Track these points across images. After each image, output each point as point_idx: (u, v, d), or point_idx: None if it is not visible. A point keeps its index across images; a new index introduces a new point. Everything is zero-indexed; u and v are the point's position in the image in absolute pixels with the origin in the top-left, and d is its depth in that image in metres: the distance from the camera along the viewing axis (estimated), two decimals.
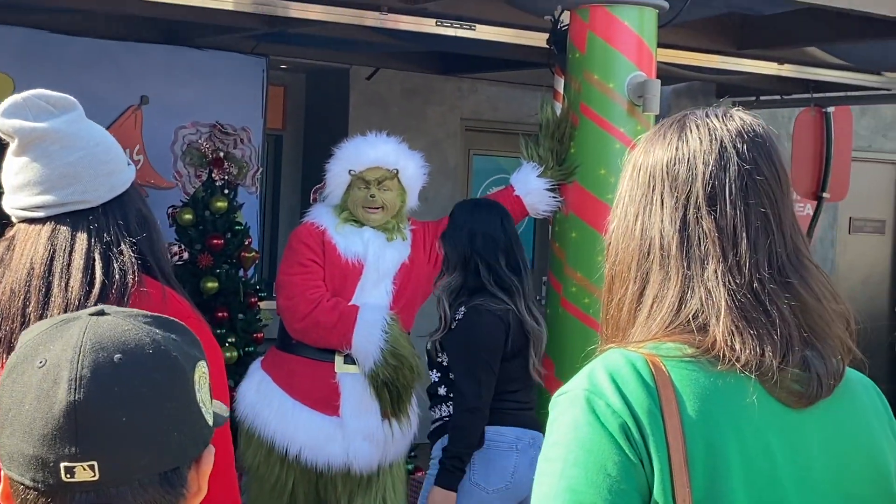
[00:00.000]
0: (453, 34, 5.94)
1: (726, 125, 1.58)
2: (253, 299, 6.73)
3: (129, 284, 2.09)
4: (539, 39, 5.86)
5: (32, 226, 2.15)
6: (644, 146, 1.62)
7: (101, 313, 1.28)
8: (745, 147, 1.56)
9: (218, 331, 6.23)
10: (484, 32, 6.04)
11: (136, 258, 2.12)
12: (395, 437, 4.55)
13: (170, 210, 6.61)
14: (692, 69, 6.99)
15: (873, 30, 6.00)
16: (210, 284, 6.50)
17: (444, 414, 4.21)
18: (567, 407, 1.50)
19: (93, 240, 2.12)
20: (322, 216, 4.75)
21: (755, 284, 1.52)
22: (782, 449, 1.50)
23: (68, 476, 1.20)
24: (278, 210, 8.50)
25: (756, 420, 1.49)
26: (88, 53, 6.81)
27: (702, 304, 1.51)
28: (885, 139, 10.25)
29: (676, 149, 1.57)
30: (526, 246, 9.07)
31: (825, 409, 1.53)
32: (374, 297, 4.55)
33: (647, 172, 1.58)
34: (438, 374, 4.23)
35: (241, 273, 6.77)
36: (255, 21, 6.43)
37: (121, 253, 2.11)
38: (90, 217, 2.14)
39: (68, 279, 2.08)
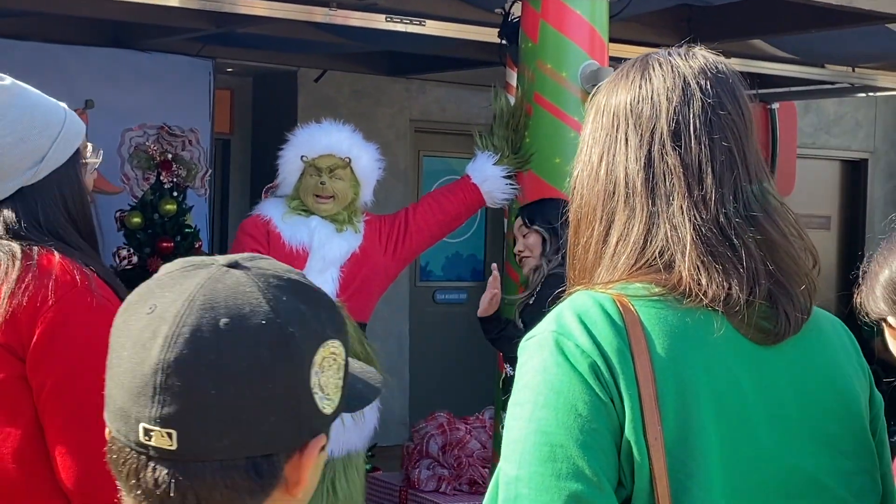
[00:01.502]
0: (403, 30, 5.92)
1: (689, 63, 1.57)
2: None
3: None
4: (490, 34, 5.86)
5: None
6: (606, 89, 1.61)
7: (236, 265, 1.14)
8: (708, 83, 1.55)
9: None
10: (434, 28, 6.02)
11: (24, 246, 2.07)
12: (347, 425, 4.50)
13: (118, 214, 6.52)
14: None
15: (818, 20, 6.06)
16: None
17: None
18: (535, 350, 1.48)
19: None
20: (268, 208, 4.78)
21: (721, 219, 1.51)
22: (752, 386, 1.49)
23: (146, 438, 1.10)
24: (227, 215, 8.43)
25: (725, 357, 1.48)
26: (32, 57, 6.72)
27: (667, 241, 1.50)
28: (828, 135, 10.37)
29: (640, 87, 1.57)
30: (478, 237, 9.16)
31: (794, 346, 1.53)
32: (318, 284, 4.51)
33: (611, 113, 1.58)
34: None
35: None
36: (202, 20, 6.37)
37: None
38: None
39: None
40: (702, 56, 1.59)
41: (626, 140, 1.55)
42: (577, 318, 1.47)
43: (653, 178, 1.52)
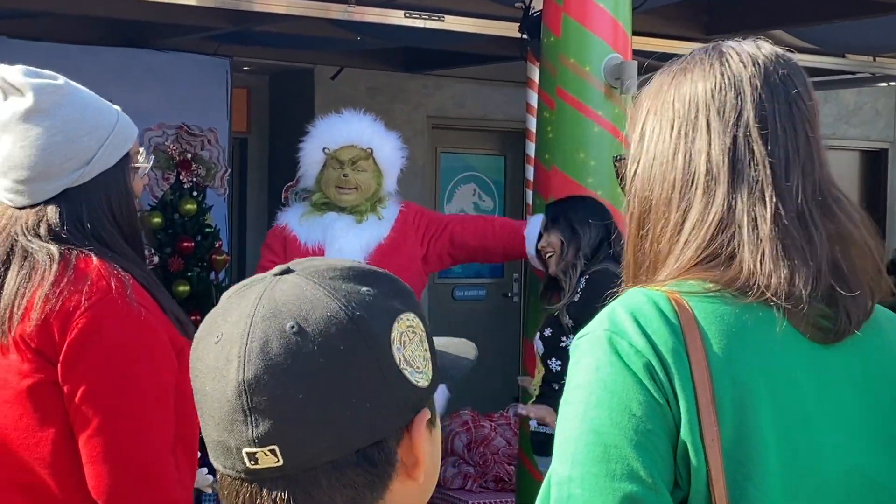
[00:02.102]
0: (422, 25, 5.89)
1: (762, 52, 1.54)
2: None
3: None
4: (509, 29, 5.82)
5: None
6: (671, 77, 1.56)
7: (287, 271, 1.12)
8: (788, 74, 1.52)
9: None
10: (453, 23, 5.99)
11: (63, 251, 2.05)
12: None
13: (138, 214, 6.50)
14: (659, 57, 6.97)
15: (841, 10, 6.02)
16: (181, 288, 6.40)
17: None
18: (588, 349, 1.45)
19: (2, 236, 2.08)
20: (287, 214, 4.76)
21: (805, 210, 1.48)
22: (811, 385, 1.46)
23: (252, 463, 1.07)
24: (245, 213, 8.41)
25: (784, 356, 1.45)
26: (48, 59, 6.63)
27: (741, 230, 1.46)
28: (847, 126, 10.31)
29: (721, 74, 1.52)
30: None
31: (853, 346, 1.49)
32: None
33: (687, 101, 1.53)
34: (560, 364, 4.04)
35: (212, 276, 6.68)
36: (220, 19, 6.36)
37: (32, 250, 2.05)
38: (14, 213, 2.10)
39: None
40: (770, 46, 1.56)
41: (708, 127, 1.50)
42: (630, 316, 1.44)
43: (737, 165, 1.48)
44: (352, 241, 4.53)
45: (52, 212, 2.09)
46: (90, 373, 2.01)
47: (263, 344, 1.06)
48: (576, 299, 4.00)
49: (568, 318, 4.01)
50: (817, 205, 1.49)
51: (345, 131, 4.58)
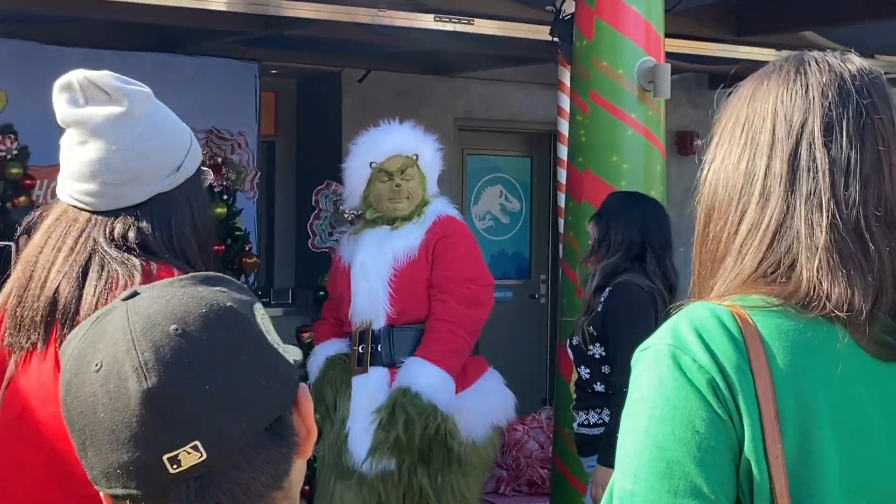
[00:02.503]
0: (452, 29, 5.89)
1: (845, 64, 1.54)
2: None
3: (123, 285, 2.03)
4: (539, 32, 5.82)
5: (58, 204, 2.16)
6: (752, 82, 1.57)
7: (134, 294, 1.17)
8: (864, 85, 1.51)
9: None
10: (483, 27, 5.99)
11: (127, 263, 2.06)
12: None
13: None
14: (690, 59, 6.96)
15: (869, 10, 5.98)
16: None
17: (595, 420, 4.02)
18: (651, 362, 1.45)
19: (79, 242, 2.09)
20: (342, 242, 4.86)
21: (861, 222, 1.46)
22: (874, 403, 1.45)
23: (175, 467, 1.10)
24: (273, 217, 8.43)
25: (846, 372, 1.44)
26: (81, 64, 6.61)
27: (798, 238, 1.46)
28: None
29: (794, 81, 1.52)
30: (523, 235, 9.12)
31: None
32: (363, 297, 4.50)
33: (758, 107, 1.53)
34: (588, 371, 4.02)
35: (242, 279, 6.70)
36: (249, 23, 6.37)
37: (103, 261, 2.06)
38: (90, 219, 2.11)
39: (45, 275, 2.07)
40: (857, 59, 1.56)
41: (773, 131, 1.50)
42: (694, 331, 1.43)
43: (797, 170, 1.48)
44: (376, 254, 4.52)
45: (141, 217, 2.10)
46: None
47: (156, 351, 1.10)
48: (598, 309, 3.97)
49: (591, 327, 3.99)
50: (878, 219, 1.47)
51: (389, 142, 4.57)
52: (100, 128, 2.09)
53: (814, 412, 1.41)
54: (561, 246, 5.07)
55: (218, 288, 1.18)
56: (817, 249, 1.45)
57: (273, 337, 1.19)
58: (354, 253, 4.56)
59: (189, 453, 1.10)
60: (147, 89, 2.16)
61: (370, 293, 4.45)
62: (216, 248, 6.47)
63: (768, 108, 1.52)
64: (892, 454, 1.45)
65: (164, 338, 1.11)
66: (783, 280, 1.46)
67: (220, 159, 6.65)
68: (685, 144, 9.04)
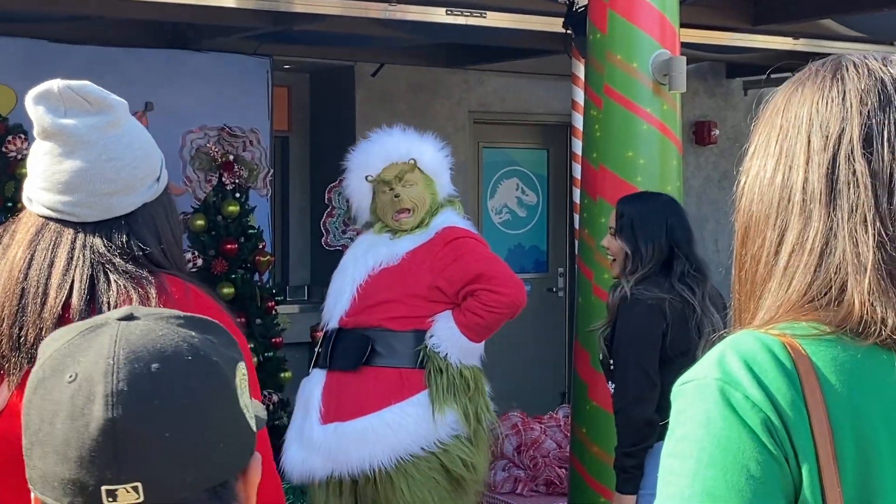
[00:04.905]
0: (464, 23, 5.81)
1: (887, 68, 1.42)
2: (270, 303, 6.61)
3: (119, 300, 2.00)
4: (552, 24, 5.74)
5: (30, 217, 2.11)
6: (786, 88, 1.47)
7: (131, 317, 1.17)
8: None
9: None
10: (495, 19, 5.91)
11: (136, 275, 2.02)
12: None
13: (181, 217, 6.48)
14: (706, 48, 6.86)
15: None
16: (226, 290, 6.38)
17: None
18: (696, 398, 1.33)
19: (75, 254, 2.04)
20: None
21: None
22: None
23: (110, 500, 1.10)
24: (288, 213, 8.38)
25: None
26: (90, 62, 6.69)
27: (844, 257, 1.35)
28: None
29: (830, 87, 1.41)
30: (540, 228, 9.05)
31: None
32: (332, 297, 4.46)
33: (792, 113, 1.43)
34: (614, 385, 3.92)
35: (256, 277, 6.65)
36: (260, 19, 6.32)
37: (108, 272, 2.02)
38: (79, 230, 2.06)
39: (43, 290, 2.02)
40: None
41: (809, 142, 1.40)
42: (743, 363, 1.32)
43: (836, 185, 1.37)
44: (359, 258, 4.44)
45: (133, 227, 2.07)
46: None
47: (130, 384, 1.10)
48: (610, 323, 3.88)
49: (603, 343, 3.91)
50: None
51: (380, 152, 4.45)
52: (87, 138, 2.03)
53: (874, 451, 1.30)
54: (577, 243, 4.99)
55: (210, 336, 1.18)
56: (866, 270, 1.34)
57: (244, 400, 1.19)
58: (343, 264, 4.52)
59: (128, 492, 1.10)
60: (121, 98, 2.12)
61: (338, 294, 4.40)
62: (229, 245, 6.45)
63: (803, 118, 1.41)
64: None
65: (144, 374, 1.11)
66: (835, 306, 1.35)
67: (232, 157, 6.61)
68: (703, 134, 8.94)
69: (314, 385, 4.40)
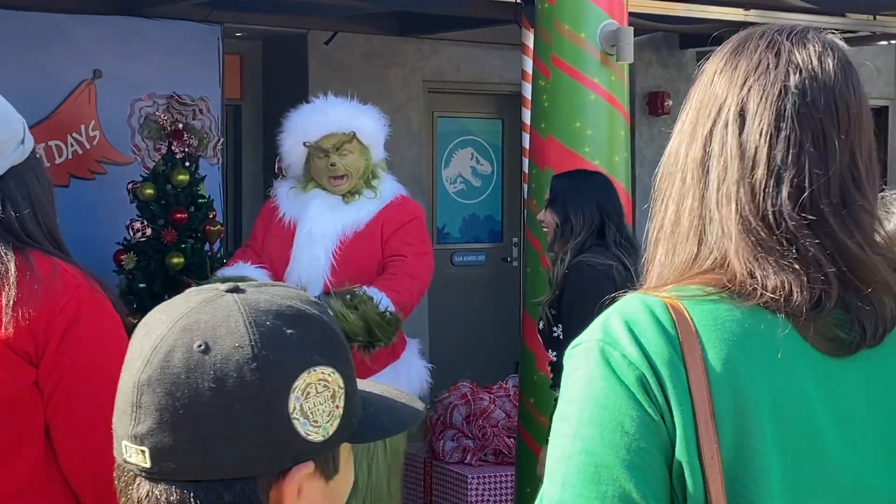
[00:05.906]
0: None
1: (794, 47, 1.41)
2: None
3: None
4: None
5: None
6: (707, 67, 1.47)
7: (235, 290, 1.16)
8: (801, 72, 1.39)
9: None
10: None
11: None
12: None
13: (130, 185, 6.42)
14: (658, 19, 6.86)
15: None
16: (175, 260, 6.32)
17: None
18: (581, 360, 1.37)
19: None
20: (280, 185, 4.74)
21: (769, 215, 1.36)
22: (821, 400, 1.36)
23: (126, 455, 1.13)
24: (241, 182, 8.33)
25: (790, 368, 1.35)
26: (38, 28, 6.60)
27: (721, 229, 1.38)
28: None
29: (728, 61, 1.43)
30: (494, 198, 9.05)
31: (871, 358, 1.38)
32: (305, 262, 4.44)
33: (699, 88, 1.45)
34: (556, 354, 4.01)
35: (206, 247, 6.60)
36: None
37: None
38: None
39: None
40: (814, 44, 1.42)
41: (697, 117, 1.42)
42: (624, 325, 1.35)
43: (709, 159, 1.40)
44: (325, 222, 4.45)
45: (5, 189, 2.02)
46: (70, 364, 1.98)
47: (168, 353, 1.11)
48: (557, 292, 3.96)
49: (551, 309, 3.97)
50: (794, 212, 1.36)
51: (322, 122, 4.49)
52: None
53: (753, 410, 1.32)
54: (525, 213, 4.99)
55: (292, 331, 1.13)
56: (734, 239, 1.36)
57: (307, 406, 1.13)
58: (302, 215, 4.49)
59: (137, 453, 1.12)
60: None
61: (312, 261, 4.42)
62: (179, 215, 6.40)
63: (704, 92, 1.43)
64: (841, 454, 1.35)
65: (185, 347, 1.11)
66: (723, 270, 1.37)
67: (181, 125, 6.54)
68: (656, 105, 8.95)
69: None
